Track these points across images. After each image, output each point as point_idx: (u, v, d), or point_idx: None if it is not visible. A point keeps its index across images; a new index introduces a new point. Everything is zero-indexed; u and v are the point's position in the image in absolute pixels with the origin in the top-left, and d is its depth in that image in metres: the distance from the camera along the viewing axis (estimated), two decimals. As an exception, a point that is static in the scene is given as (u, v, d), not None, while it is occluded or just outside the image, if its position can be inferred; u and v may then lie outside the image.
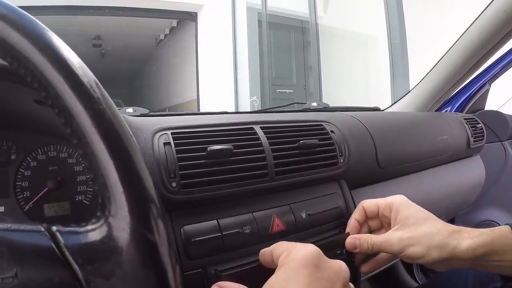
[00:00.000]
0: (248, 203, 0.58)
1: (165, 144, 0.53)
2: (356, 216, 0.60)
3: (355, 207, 0.72)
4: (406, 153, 0.86)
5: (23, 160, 0.56)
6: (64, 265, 0.22)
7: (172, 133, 0.55)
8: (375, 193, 0.77)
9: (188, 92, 5.40)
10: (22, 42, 0.23)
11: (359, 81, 4.01)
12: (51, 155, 0.58)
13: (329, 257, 0.61)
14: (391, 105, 1.24)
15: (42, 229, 0.23)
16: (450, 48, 1.02)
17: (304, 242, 0.61)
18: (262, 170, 0.58)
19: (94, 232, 0.23)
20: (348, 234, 0.61)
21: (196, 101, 5.15)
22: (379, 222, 0.59)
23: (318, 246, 0.60)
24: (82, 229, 0.23)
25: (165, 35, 5.83)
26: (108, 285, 0.22)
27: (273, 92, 4.56)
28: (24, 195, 0.56)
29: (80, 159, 0.59)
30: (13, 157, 0.56)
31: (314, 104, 1.04)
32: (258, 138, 0.59)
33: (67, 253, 0.22)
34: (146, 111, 0.79)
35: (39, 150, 0.57)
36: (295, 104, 1.16)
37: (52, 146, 0.58)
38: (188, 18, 5.02)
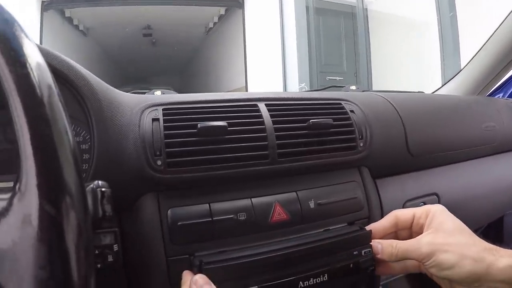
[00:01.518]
0: (247, 187, 0.52)
1: (153, 120, 0.49)
2: (384, 223, 0.52)
3: (380, 198, 0.63)
4: (443, 140, 0.73)
5: None
6: None
7: (163, 109, 0.51)
8: (404, 185, 0.67)
9: (236, 79, 5.44)
10: None
11: (411, 68, 3.74)
12: None
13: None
14: (437, 89, 1.10)
15: None
16: (502, 23, 0.86)
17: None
18: (261, 151, 0.51)
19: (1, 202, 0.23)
20: (370, 232, 0.52)
21: (245, 88, 5.16)
22: (409, 233, 0.51)
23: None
24: None
25: (214, 23, 5.88)
26: (1, 253, 0.23)
27: (323, 79, 4.46)
28: None
29: None
30: None
31: (353, 87, 0.94)
32: (259, 116, 0.53)
33: None
34: (174, 93, 0.76)
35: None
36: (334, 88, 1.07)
37: None
38: (235, 5, 5.01)
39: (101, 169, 0.46)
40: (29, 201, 0.22)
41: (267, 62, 4.64)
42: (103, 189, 0.33)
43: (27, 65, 0.24)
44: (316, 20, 4.32)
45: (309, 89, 4.07)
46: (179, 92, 0.69)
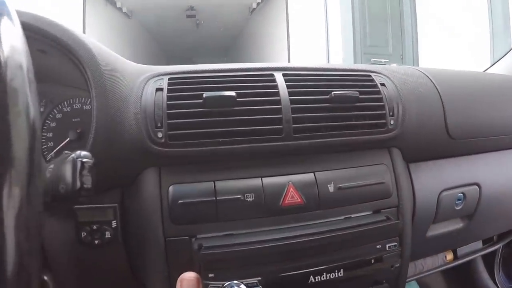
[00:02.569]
0: (257, 166, 0.46)
1: (157, 90, 0.45)
2: None
3: (412, 185, 0.56)
4: (488, 124, 0.63)
5: (50, 112, 0.54)
6: None
7: (169, 79, 0.47)
8: (441, 171, 0.59)
9: (279, 60, 5.38)
10: None
11: (460, 47, 3.47)
12: (76, 107, 0.55)
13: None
14: (488, 68, 0.97)
15: None
16: None
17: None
18: (274, 125, 0.45)
19: None
20: (399, 223, 0.46)
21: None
22: None
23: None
24: None
25: (257, 4, 5.80)
26: None
27: (367, 61, 4.29)
28: (48, 145, 0.54)
29: None
30: (41, 109, 0.54)
31: (394, 65, 0.85)
32: (274, 86, 0.47)
33: None
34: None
35: (65, 102, 0.55)
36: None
37: (77, 98, 0.55)
38: (279, -15, 4.88)
39: (100, 140, 0.43)
40: None
41: (310, 43, 4.56)
42: (84, 160, 0.31)
43: None
44: (361, 0, 4.15)
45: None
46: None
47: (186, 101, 0.44)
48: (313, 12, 4.45)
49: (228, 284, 0.40)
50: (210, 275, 0.41)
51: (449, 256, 0.74)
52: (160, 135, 0.43)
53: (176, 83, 0.46)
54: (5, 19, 0.25)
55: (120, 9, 5.21)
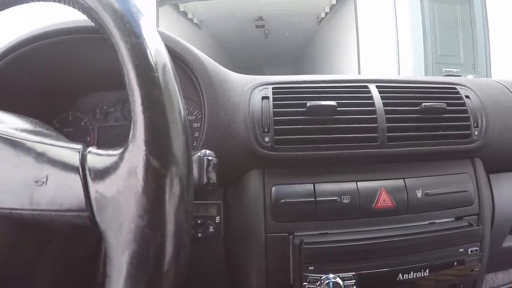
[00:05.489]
0: (352, 170, 0.50)
1: (263, 98, 0.50)
2: None
3: (492, 194, 0.57)
4: None
5: None
6: (81, 178, 0.25)
7: (273, 88, 0.51)
8: (522, 182, 0.60)
9: (349, 71, 5.36)
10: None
11: None
12: None
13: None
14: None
15: (80, 148, 0.26)
16: None
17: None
18: (371, 133, 0.49)
19: (112, 157, 0.25)
20: (481, 229, 0.48)
21: (358, 80, 5.04)
22: None
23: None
24: (104, 152, 0.26)
25: (326, 13, 5.79)
26: (105, 201, 0.24)
27: (438, 71, 4.15)
28: None
29: None
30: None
31: (470, 76, 0.86)
32: (370, 97, 0.50)
33: (86, 168, 0.25)
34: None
35: None
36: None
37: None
38: (347, -7, 4.89)
39: (210, 144, 0.47)
40: (136, 155, 0.23)
41: (380, 53, 4.51)
42: (209, 158, 0.34)
43: (142, 35, 0.25)
44: (431, 8, 4.03)
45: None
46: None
47: (291, 109, 0.48)
48: (382, 22, 4.39)
49: (325, 277, 0.44)
50: (310, 268, 0.44)
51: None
52: (267, 139, 0.47)
53: (280, 92, 0.50)
54: (146, 24, 0.26)
55: (191, 20, 5.39)
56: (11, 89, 0.50)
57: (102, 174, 0.25)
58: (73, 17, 0.45)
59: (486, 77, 3.62)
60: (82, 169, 0.25)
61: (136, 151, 0.23)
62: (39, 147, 0.27)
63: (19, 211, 0.25)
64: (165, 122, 0.24)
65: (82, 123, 0.60)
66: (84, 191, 0.25)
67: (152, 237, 0.23)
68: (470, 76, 0.73)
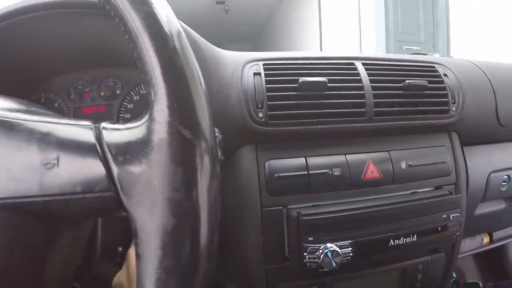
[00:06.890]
0: (341, 144, 0.52)
1: (255, 74, 0.50)
2: None
3: (466, 165, 0.62)
4: None
5: (126, 94, 0.59)
6: (100, 156, 0.23)
7: (263, 64, 0.52)
8: (491, 155, 0.65)
9: (310, 48, 5.28)
10: None
11: (496, 38, 3.33)
12: None
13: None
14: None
15: (91, 124, 0.25)
16: None
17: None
18: (359, 108, 0.51)
19: (133, 130, 0.24)
20: (460, 197, 0.52)
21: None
22: None
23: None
24: (123, 127, 0.24)
25: None
26: (133, 177, 0.23)
27: (399, 49, 4.15)
28: None
29: None
30: (118, 91, 0.58)
31: (437, 55, 0.90)
32: (357, 74, 0.53)
33: (104, 145, 0.24)
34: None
35: (142, 85, 0.59)
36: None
37: None
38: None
39: None
40: (165, 126, 0.22)
41: (343, 30, 4.46)
42: (216, 134, 0.35)
43: (153, 4, 0.24)
44: None
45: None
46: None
47: (283, 85, 0.49)
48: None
49: (324, 246, 0.46)
50: (310, 239, 0.46)
51: (486, 239, 0.80)
52: (260, 115, 0.48)
53: (272, 68, 0.51)
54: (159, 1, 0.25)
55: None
56: None
57: (125, 149, 0.23)
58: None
59: (447, 54, 3.73)
60: (100, 146, 0.24)
61: (164, 123, 0.22)
62: (43, 127, 0.24)
63: (27, 199, 0.23)
64: (190, 91, 0.23)
65: (56, 104, 0.58)
66: (106, 170, 0.23)
67: (191, 209, 0.22)
68: (437, 55, 0.77)
